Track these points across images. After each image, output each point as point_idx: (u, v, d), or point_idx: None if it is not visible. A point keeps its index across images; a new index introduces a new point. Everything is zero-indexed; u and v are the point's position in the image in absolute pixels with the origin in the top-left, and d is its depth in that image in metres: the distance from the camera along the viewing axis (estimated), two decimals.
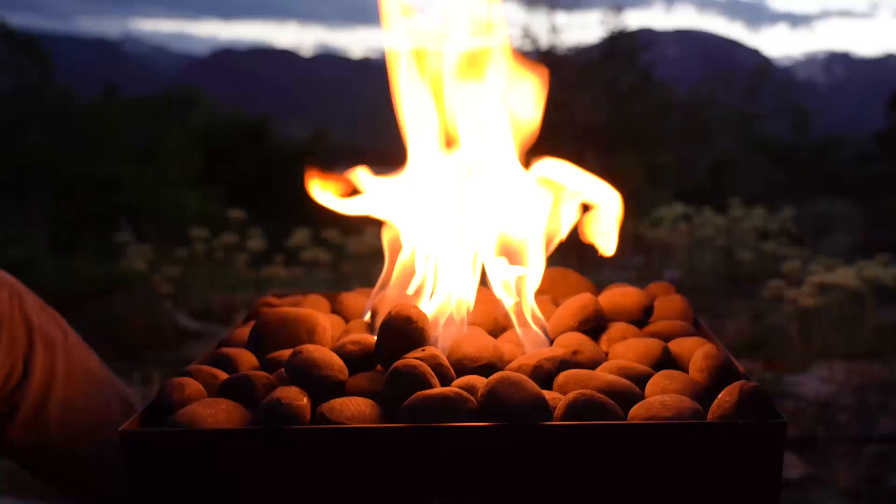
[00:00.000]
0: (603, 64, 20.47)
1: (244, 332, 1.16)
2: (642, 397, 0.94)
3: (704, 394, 0.93)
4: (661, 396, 0.90)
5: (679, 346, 1.07)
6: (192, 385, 0.95)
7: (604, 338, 1.12)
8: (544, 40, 20.13)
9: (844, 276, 2.83)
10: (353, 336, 1.05)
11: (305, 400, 0.89)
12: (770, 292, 3.14)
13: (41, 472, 1.41)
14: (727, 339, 3.14)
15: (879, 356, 2.88)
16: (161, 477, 0.86)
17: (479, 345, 1.01)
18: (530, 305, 1.16)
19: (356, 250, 4.16)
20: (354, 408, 0.89)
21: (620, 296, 1.19)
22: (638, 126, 17.67)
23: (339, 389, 0.94)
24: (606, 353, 1.09)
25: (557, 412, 0.88)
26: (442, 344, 1.09)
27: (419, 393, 0.88)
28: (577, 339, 1.07)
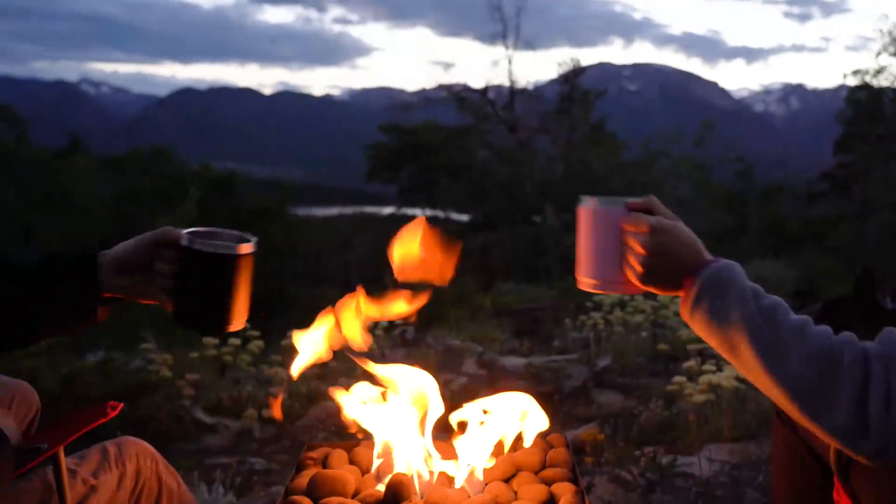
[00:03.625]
0: (560, 112, 21.36)
1: (300, 482, 1.93)
2: None
3: None
4: None
5: (558, 488, 1.85)
6: None
7: (514, 482, 1.90)
8: (504, 80, 21.01)
9: (726, 378, 3.64)
10: (369, 490, 1.82)
11: None
12: (674, 387, 3.96)
13: None
14: (642, 423, 3.92)
15: (755, 437, 3.68)
16: None
17: (441, 496, 1.78)
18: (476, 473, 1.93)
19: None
20: None
21: (527, 454, 1.98)
22: (592, 179, 18.59)
23: None
24: (516, 493, 1.86)
25: None
26: (419, 491, 1.86)
27: None
28: (499, 488, 1.85)
